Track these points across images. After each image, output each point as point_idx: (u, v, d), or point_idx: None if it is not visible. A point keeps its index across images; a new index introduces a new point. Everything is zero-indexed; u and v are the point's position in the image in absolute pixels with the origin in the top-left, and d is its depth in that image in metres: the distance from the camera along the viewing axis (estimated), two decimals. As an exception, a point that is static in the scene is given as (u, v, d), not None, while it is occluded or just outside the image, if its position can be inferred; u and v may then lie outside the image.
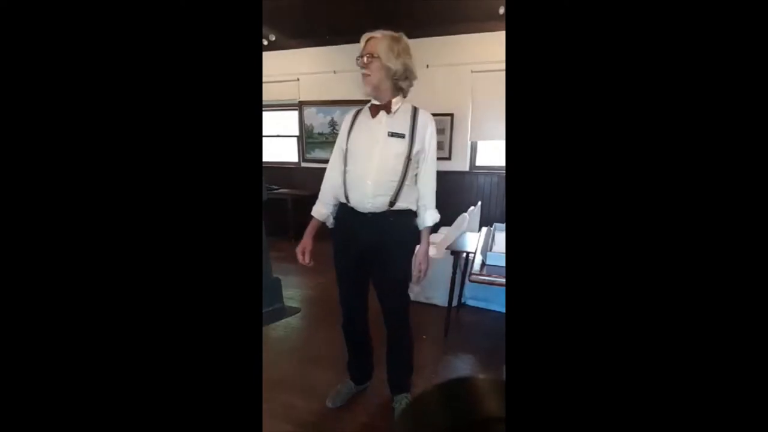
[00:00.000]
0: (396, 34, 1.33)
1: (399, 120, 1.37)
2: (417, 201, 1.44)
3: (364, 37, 1.34)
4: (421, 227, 1.47)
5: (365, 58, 1.31)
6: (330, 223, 1.52)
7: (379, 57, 1.30)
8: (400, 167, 1.35)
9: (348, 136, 1.41)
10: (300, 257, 1.50)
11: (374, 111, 1.38)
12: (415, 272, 1.47)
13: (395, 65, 1.31)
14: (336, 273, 1.52)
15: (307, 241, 1.50)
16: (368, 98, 1.40)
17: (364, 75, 1.33)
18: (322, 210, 1.50)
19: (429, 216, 1.45)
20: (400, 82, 1.35)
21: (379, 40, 1.31)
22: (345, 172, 1.39)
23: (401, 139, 1.35)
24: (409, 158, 1.35)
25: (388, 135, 1.35)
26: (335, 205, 1.49)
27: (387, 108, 1.37)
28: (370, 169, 1.34)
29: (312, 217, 1.52)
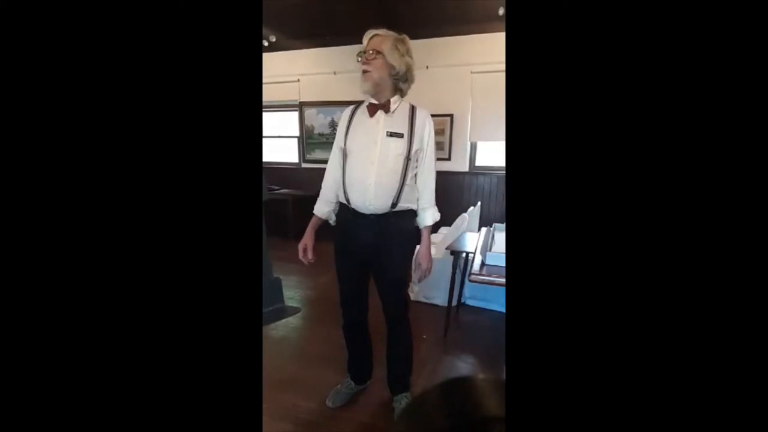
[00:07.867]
0: (400, 35, 1.33)
1: (397, 119, 1.35)
2: (417, 200, 1.44)
3: (368, 34, 1.33)
4: (421, 226, 1.47)
5: (368, 54, 1.30)
6: (332, 220, 1.51)
7: (382, 54, 1.29)
8: (400, 167, 1.34)
9: (346, 135, 1.39)
10: (301, 254, 1.49)
11: (372, 110, 1.36)
12: (419, 272, 1.47)
13: (399, 64, 1.31)
14: (336, 273, 1.52)
15: (308, 238, 1.50)
16: (367, 97, 1.37)
17: (365, 72, 1.31)
18: (324, 208, 1.50)
19: (429, 215, 1.45)
20: (401, 83, 1.34)
21: (383, 37, 1.30)
22: (344, 172, 1.38)
23: (400, 138, 1.33)
24: (408, 158, 1.34)
25: (387, 135, 1.33)
26: (337, 203, 1.48)
27: (385, 107, 1.35)
28: (370, 171, 1.33)
29: (313, 215, 1.51)
